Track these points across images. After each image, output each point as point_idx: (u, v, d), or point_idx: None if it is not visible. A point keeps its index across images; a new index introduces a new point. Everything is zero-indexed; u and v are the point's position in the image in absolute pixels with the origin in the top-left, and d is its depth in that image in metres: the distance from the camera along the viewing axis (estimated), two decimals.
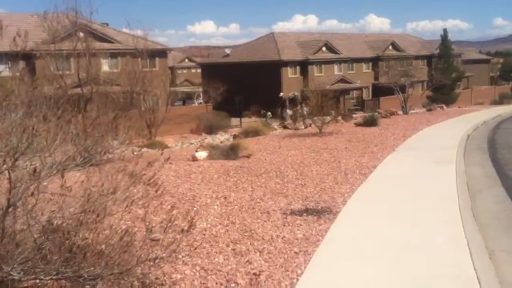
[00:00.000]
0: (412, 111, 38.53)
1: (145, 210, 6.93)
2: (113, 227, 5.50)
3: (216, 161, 14.08)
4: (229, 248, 6.60)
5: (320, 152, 15.38)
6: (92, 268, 4.77)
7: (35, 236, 4.58)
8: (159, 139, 25.78)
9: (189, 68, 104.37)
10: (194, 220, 6.59)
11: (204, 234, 7.13)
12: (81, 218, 4.76)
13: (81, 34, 43.82)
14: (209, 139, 26.21)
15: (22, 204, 4.54)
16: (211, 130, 35.36)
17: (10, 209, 4.57)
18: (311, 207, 8.72)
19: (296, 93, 37.05)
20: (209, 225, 7.59)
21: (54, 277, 4.81)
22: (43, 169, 4.86)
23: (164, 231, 5.57)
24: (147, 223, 5.46)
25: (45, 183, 5.15)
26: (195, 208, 8.50)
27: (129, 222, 7.15)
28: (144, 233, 6.26)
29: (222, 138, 26.14)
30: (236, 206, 8.70)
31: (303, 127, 25.75)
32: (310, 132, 21.79)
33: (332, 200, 9.17)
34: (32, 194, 4.47)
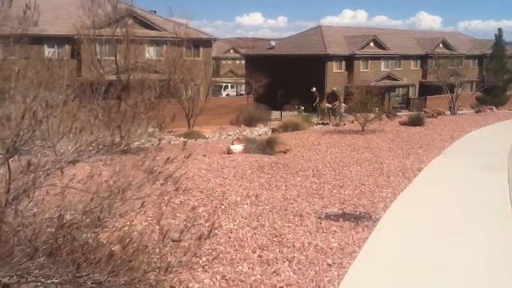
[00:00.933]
0: (460, 112, 37.07)
1: (160, 210, 6.34)
2: (124, 228, 4.94)
3: (251, 155, 13.49)
4: (255, 255, 6.00)
5: (361, 151, 14.61)
6: (97, 275, 4.25)
7: (30, 236, 4.05)
8: (198, 129, 25.35)
9: (233, 59, 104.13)
10: (216, 225, 5.99)
11: (230, 237, 6.55)
12: (83, 218, 4.21)
13: (129, 21, 44.06)
14: (247, 132, 25.63)
15: (18, 201, 4.02)
16: (250, 122, 34.75)
17: (7, 205, 4.07)
18: (348, 211, 8.03)
19: (334, 89, 35.97)
20: (235, 227, 7.00)
21: (56, 280, 4.31)
22: (47, 161, 4.35)
23: (180, 233, 5.00)
24: (162, 225, 4.86)
25: (52, 176, 4.66)
26: (223, 206, 7.93)
27: (145, 223, 6.59)
28: (162, 234, 5.73)
29: (260, 131, 25.51)
30: (267, 206, 8.08)
31: (342, 124, 24.88)
32: (351, 129, 20.96)
33: (372, 205, 8.45)
34: (25, 191, 3.93)
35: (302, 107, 39.05)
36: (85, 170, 5.31)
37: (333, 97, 35.14)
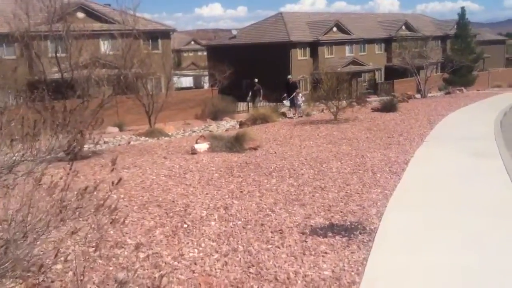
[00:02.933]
0: (430, 95, 36.29)
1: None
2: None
3: (218, 154, 12.10)
4: None
5: (338, 143, 13.34)
6: None
7: None
8: (160, 126, 23.77)
9: (195, 50, 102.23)
10: (163, 280, 4.58)
11: (193, 271, 5.12)
12: None
13: (81, 15, 41.96)
14: (213, 126, 24.15)
15: None
16: (216, 116, 33.31)
17: None
18: (336, 221, 6.71)
19: (289, 77, 34.45)
20: (201, 254, 5.58)
21: None
22: None
23: (127, 273, 3.61)
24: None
25: None
26: (185, 225, 6.50)
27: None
28: (105, 273, 4.29)
29: (227, 125, 24.10)
30: (239, 222, 6.68)
31: (299, 116, 23.44)
32: (323, 118, 19.72)
33: (363, 211, 7.15)
34: None
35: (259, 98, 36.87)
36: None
37: (290, 86, 33.44)
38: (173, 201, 7.62)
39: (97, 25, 37.85)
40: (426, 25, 68.21)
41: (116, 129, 27.59)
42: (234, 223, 6.62)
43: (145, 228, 6.30)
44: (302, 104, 24.52)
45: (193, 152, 12.52)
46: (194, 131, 21.67)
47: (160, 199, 7.81)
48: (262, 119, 20.96)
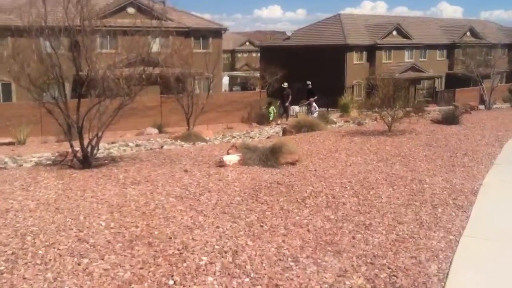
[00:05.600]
0: (494, 106, 33.47)
1: None
2: None
3: (249, 168, 10.38)
4: None
5: (391, 161, 11.37)
6: None
7: None
8: (200, 129, 22.23)
9: (250, 51, 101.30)
10: None
11: None
12: None
13: (132, 10, 41.22)
14: (256, 132, 22.44)
15: None
16: (262, 120, 31.66)
17: None
18: (382, 285, 4.85)
19: (285, 85, 33.09)
20: None
21: None
22: None
23: None
24: None
25: None
26: (171, 282, 4.77)
27: None
28: None
29: (271, 131, 22.32)
30: (246, 279, 4.89)
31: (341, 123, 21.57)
32: (376, 129, 17.69)
33: (419, 268, 5.25)
34: None
35: (273, 108, 34.99)
36: None
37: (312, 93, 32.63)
38: (170, 238, 5.92)
39: (147, 21, 36.97)
40: (492, 32, 64.60)
41: (155, 130, 26.38)
42: (239, 280, 4.84)
43: (115, 284, 4.62)
44: (316, 113, 23.15)
45: (221, 164, 10.84)
46: (234, 137, 20.01)
47: (156, 232, 6.13)
48: (308, 127, 19.10)
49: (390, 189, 8.69)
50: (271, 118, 32.73)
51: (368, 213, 7.21)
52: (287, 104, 33.31)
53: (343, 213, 7.19)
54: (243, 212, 7.14)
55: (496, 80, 35.81)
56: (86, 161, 10.81)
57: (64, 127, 10.95)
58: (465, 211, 7.42)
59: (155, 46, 35.01)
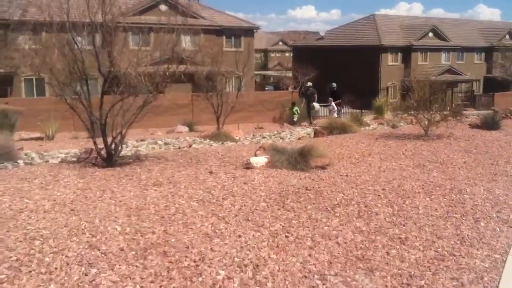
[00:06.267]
0: None
1: None
2: None
3: (277, 171, 9.89)
4: None
5: (428, 167, 10.73)
6: None
7: None
8: (230, 129, 21.78)
9: (282, 51, 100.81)
10: None
11: None
12: None
13: (164, 7, 41.14)
14: (286, 133, 21.88)
15: None
16: (294, 121, 31.12)
17: None
18: None
19: (333, 85, 32.68)
20: None
21: None
22: None
23: None
24: None
25: None
26: None
27: None
28: None
29: (302, 132, 21.72)
30: None
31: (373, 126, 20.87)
32: (412, 133, 16.95)
33: None
34: None
35: (297, 109, 34.16)
36: None
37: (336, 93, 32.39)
38: (188, 247, 5.47)
39: (179, 19, 36.84)
40: None
41: (186, 129, 26.06)
42: None
43: None
44: (335, 113, 22.72)
45: (248, 166, 10.36)
46: (264, 137, 19.50)
47: (173, 240, 5.69)
48: (340, 129, 18.48)
49: (428, 198, 8.09)
50: (295, 119, 32.12)
51: (404, 226, 6.64)
52: (313, 104, 32.72)
53: (376, 225, 6.64)
54: (267, 220, 6.65)
55: None
56: (110, 159, 10.47)
57: (87, 124, 10.63)
58: (510, 226, 6.78)
59: (186, 44, 34.90)
